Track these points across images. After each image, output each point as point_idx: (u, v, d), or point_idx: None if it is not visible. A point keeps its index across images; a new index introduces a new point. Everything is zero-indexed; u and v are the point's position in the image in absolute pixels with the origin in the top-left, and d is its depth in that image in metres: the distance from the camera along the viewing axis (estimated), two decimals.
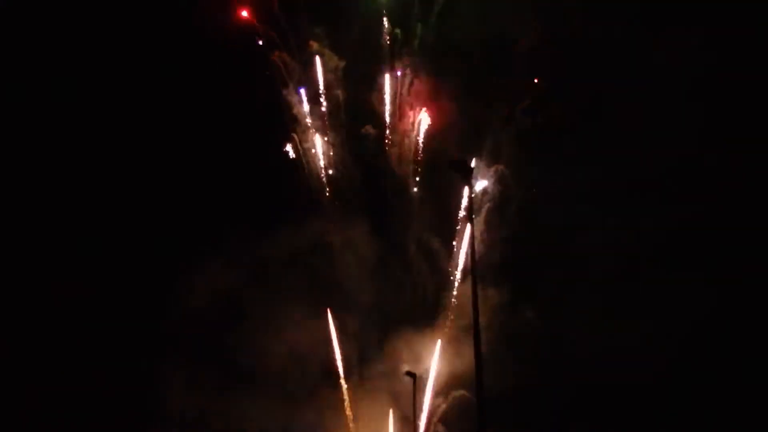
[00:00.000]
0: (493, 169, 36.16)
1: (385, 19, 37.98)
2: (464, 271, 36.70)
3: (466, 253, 31.55)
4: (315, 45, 38.18)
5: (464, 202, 33.59)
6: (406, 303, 37.69)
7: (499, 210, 36.37)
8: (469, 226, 22.35)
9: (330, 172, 37.49)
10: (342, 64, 38.00)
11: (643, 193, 34.60)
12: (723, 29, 32.97)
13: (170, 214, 35.66)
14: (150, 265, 35.28)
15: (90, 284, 34.65)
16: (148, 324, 34.56)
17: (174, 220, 35.62)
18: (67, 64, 35.80)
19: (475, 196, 35.61)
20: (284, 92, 37.58)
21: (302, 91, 38.01)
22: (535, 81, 36.14)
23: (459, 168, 24.49)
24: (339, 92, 37.61)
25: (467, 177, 24.53)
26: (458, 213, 36.24)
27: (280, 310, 34.96)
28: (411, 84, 37.08)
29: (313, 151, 37.25)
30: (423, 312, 37.59)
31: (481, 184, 36.26)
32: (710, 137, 33.00)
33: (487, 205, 36.43)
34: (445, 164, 34.33)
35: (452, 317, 37.14)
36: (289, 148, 37.46)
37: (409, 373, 31.95)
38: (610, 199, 34.51)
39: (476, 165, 35.39)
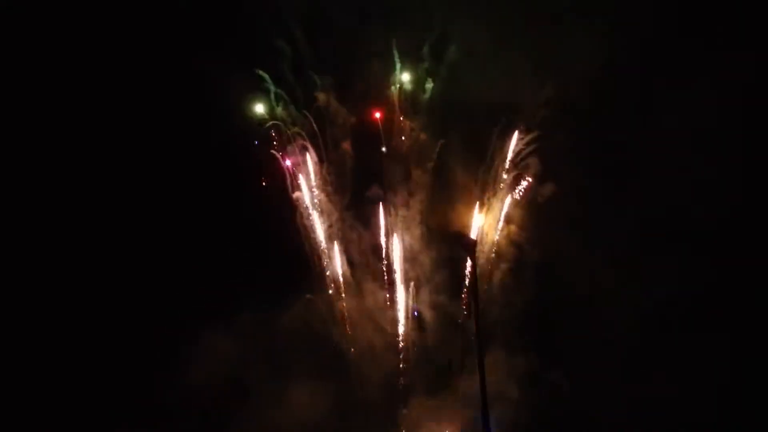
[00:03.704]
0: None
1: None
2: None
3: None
4: (322, 96, 37.08)
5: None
6: (422, 372, 36.10)
7: (516, 272, 34.79)
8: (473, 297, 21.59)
9: (336, 236, 36.11)
10: (351, 119, 36.85)
11: (669, 252, 32.80)
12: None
13: (175, 284, 34.50)
14: (151, 335, 34.16)
15: (88, 354, 33.73)
16: (147, 397, 33.34)
17: (179, 291, 34.49)
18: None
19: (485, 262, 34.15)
20: (289, 151, 36.51)
21: (308, 147, 36.81)
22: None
23: (462, 243, 23.45)
24: (347, 151, 36.34)
25: (471, 252, 23.54)
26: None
27: (287, 386, 33.78)
28: (417, 141, 35.81)
29: (318, 214, 36.00)
30: (440, 380, 35.82)
31: None
32: (742, 194, 31.48)
33: (502, 266, 34.88)
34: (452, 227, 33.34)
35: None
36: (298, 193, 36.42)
37: None
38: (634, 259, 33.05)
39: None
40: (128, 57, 35.63)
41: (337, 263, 35.85)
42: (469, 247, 22.84)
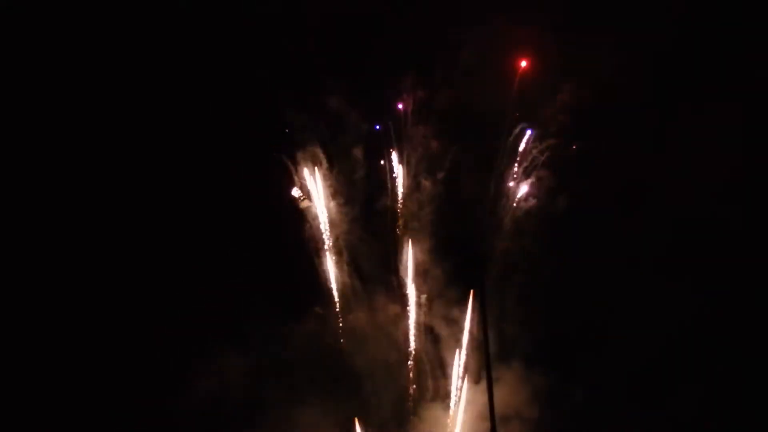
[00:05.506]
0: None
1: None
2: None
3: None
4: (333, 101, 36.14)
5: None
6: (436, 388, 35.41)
7: (527, 286, 33.82)
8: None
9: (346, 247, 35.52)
10: (363, 125, 35.89)
11: (690, 269, 32.03)
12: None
13: (181, 294, 34.17)
14: (156, 347, 33.94)
15: (94, 366, 33.59)
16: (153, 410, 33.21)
17: (190, 309, 34.24)
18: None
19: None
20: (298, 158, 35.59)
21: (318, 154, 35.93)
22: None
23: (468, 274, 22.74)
24: (359, 160, 35.49)
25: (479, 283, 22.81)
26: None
27: (295, 400, 33.63)
28: (426, 150, 34.84)
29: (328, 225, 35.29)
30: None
31: None
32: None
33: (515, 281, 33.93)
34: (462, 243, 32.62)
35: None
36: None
37: None
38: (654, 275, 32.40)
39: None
40: (134, 59, 34.90)
41: (346, 275, 35.34)
42: (478, 266, 22.16)
